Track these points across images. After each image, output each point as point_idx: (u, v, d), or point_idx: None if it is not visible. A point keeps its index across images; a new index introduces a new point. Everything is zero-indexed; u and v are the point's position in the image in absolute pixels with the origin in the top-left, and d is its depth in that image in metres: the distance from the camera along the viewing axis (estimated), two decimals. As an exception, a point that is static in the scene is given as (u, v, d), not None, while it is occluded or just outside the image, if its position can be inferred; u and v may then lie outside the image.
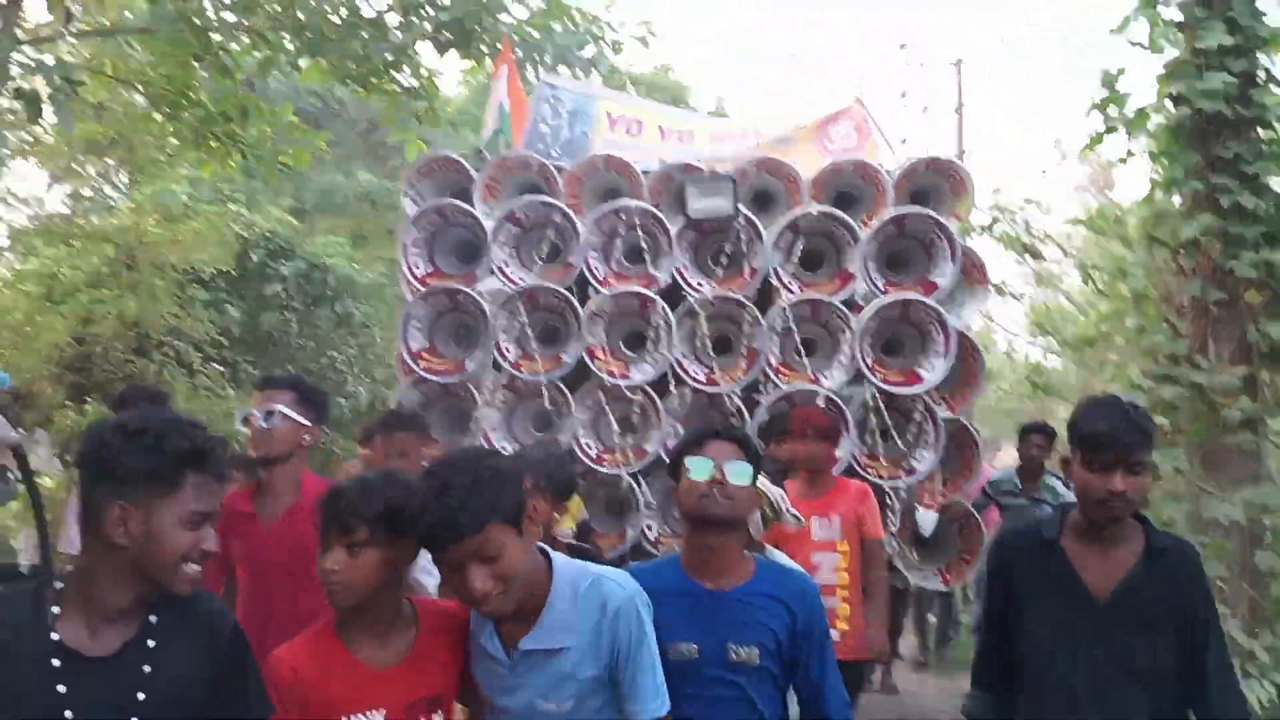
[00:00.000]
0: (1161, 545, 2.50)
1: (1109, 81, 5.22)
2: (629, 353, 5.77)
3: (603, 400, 5.68)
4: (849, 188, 5.96)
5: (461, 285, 5.75)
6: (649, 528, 5.61)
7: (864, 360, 5.49)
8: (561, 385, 5.64)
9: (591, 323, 5.62)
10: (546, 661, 2.17)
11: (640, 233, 5.71)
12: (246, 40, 8.10)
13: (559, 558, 2.25)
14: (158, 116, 9.00)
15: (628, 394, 5.62)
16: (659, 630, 2.27)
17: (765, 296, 5.73)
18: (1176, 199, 5.16)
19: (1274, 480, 4.73)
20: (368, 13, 8.00)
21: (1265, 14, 5.06)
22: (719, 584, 2.43)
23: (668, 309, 5.58)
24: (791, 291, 5.64)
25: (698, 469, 2.41)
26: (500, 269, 5.75)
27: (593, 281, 5.71)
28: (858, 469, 5.39)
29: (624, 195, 5.87)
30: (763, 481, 3.38)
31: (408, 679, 2.18)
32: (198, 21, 7.49)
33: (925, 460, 5.48)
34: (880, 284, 5.62)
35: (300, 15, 7.73)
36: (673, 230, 5.67)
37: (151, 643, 1.78)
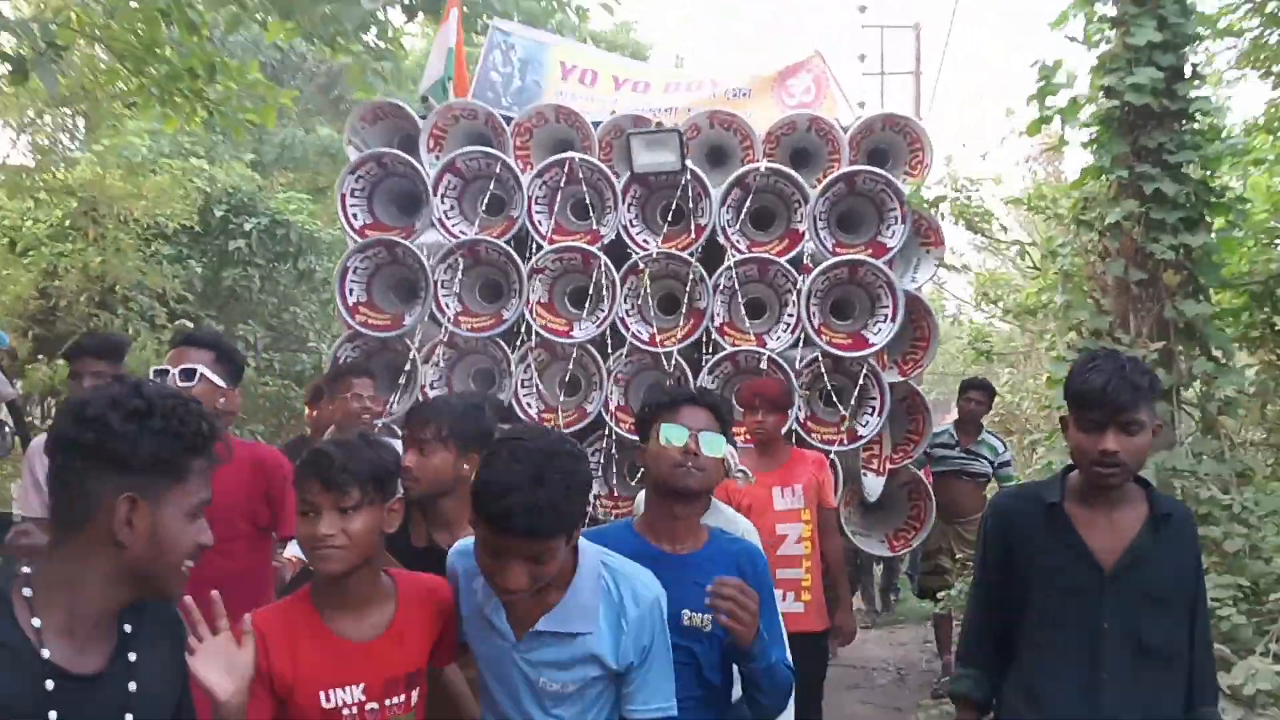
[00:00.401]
0: (1165, 511, 2.37)
1: (1046, 74, 5.48)
2: (572, 310, 5.63)
3: (544, 358, 5.55)
4: (804, 144, 5.79)
5: (400, 238, 5.58)
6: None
7: (810, 322, 5.35)
8: (502, 342, 5.50)
9: (532, 279, 5.47)
10: (557, 643, 2.10)
11: (585, 187, 5.54)
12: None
13: (585, 545, 2.16)
14: (123, 71, 8.66)
15: (570, 352, 5.49)
16: None
17: (712, 255, 5.58)
18: (1104, 184, 5.44)
19: (1185, 446, 5.03)
20: None
21: (1194, 10, 5.39)
22: (676, 549, 2.40)
23: (612, 266, 5.43)
24: (739, 250, 5.49)
25: (672, 436, 2.35)
26: (440, 221, 5.58)
27: (535, 236, 5.56)
28: (801, 433, 5.28)
29: (574, 147, 5.70)
30: None
31: (387, 653, 2.09)
32: None
33: (870, 425, 5.36)
34: (829, 244, 5.48)
35: None
36: (618, 185, 5.51)
37: (132, 656, 1.56)
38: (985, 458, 6.42)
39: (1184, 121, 5.31)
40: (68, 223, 10.91)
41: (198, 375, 3.09)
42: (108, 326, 10.54)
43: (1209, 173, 5.41)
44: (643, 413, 2.51)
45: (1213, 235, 5.31)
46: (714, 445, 2.38)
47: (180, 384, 3.05)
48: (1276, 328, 5.92)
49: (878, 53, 18.22)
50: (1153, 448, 4.76)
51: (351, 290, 5.62)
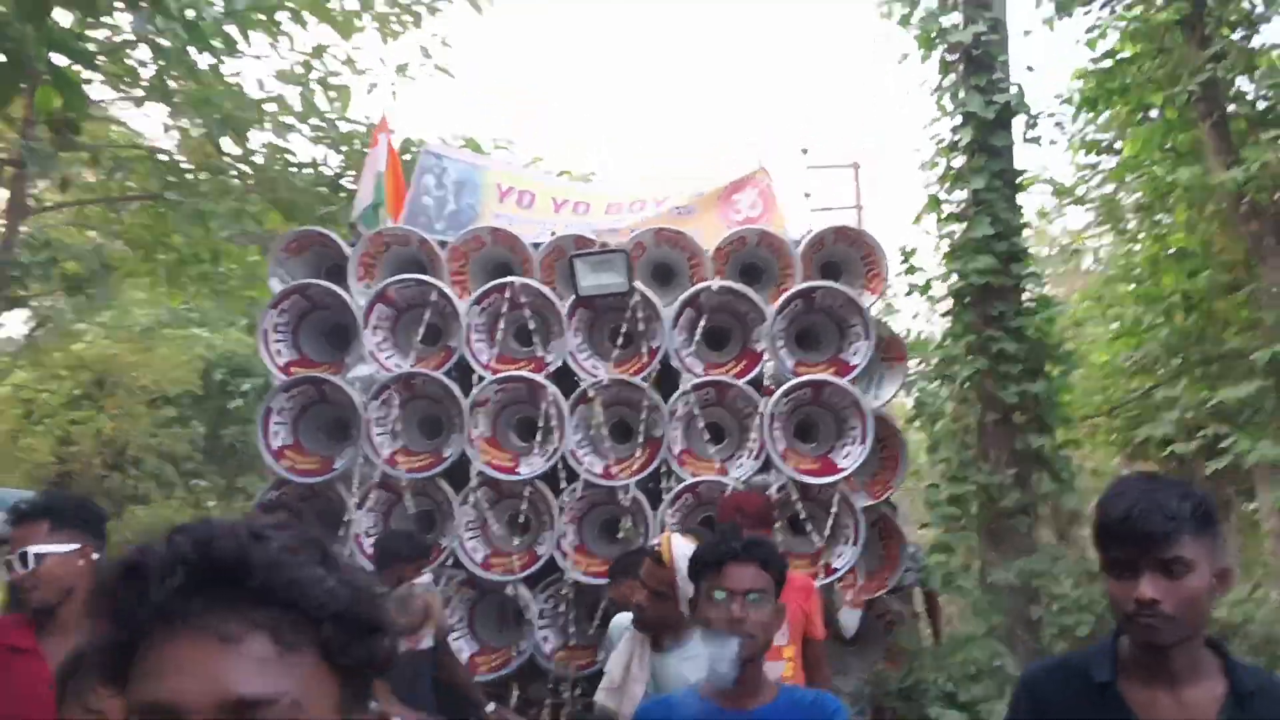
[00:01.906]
0: (1249, 688, 1.82)
1: (906, 255, 7.34)
2: (518, 444, 5.22)
3: (489, 498, 5.11)
4: (754, 259, 5.54)
5: (329, 375, 5.16)
6: (544, 640, 5.00)
7: (774, 447, 5.01)
8: (443, 482, 5.06)
9: (475, 412, 5.07)
10: None
11: (528, 312, 5.20)
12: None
13: None
14: (135, 257, 9.74)
15: (518, 490, 5.06)
16: None
17: (666, 380, 5.25)
18: (960, 346, 6.85)
19: (1041, 551, 6.46)
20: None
21: (1022, 207, 7.16)
22: (740, 704, 2.35)
23: (559, 395, 5.06)
24: (694, 373, 5.16)
25: (714, 605, 2.35)
26: (373, 354, 5.19)
27: (476, 367, 5.18)
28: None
29: (514, 271, 5.39)
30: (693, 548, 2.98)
31: None
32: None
33: (845, 556, 4.99)
34: (790, 364, 5.18)
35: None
36: (563, 309, 5.18)
37: None
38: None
39: (1019, 294, 6.78)
40: (78, 392, 12.24)
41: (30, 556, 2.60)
42: (120, 488, 11.99)
43: (1044, 333, 6.93)
44: (692, 567, 2.50)
45: (1053, 381, 6.82)
46: (761, 604, 2.35)
47: (21, 570, 2.60)
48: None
49: (821, 190, 18.44)
50: (1012, 554, 5.95)
51: (276, 433, 5.16)
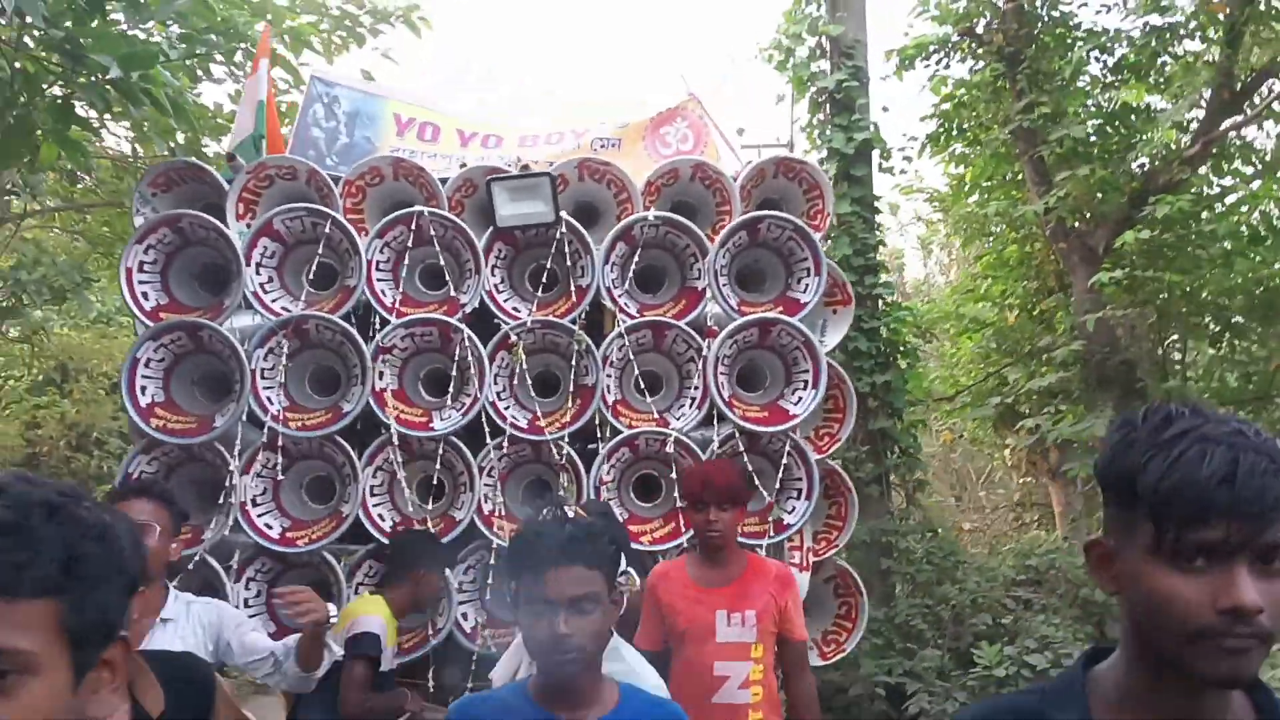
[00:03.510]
0: None
1: None
2: (429, 397, 4.60)
3: (398, 458, 4.47)
4: (688, 195, 5.02)
5: (206, 319, 4.44)
6: (464, 617, 4.40)
7: (720, 394, 4.51)
8: (342, 441, 4.40)
9: (379, 360, 4.43)
10: None
11: (438, 247, 4.58)
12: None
13: None
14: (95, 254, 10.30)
15: (431, 448, 4.44)
16: None
17: (597, 322, 4.71)
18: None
19: (891, 515, 7.74)
20: None
21: (880, 227, 8.39)
22: (575, 713, 2.04)
23: (477, 341, 4.46)
24: (629, 315, 4.62)
25: (533, 614, 2.00)
26: (256, 296, 4.49)
27: (379, 309, 4.53)
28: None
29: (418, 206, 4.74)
30: None
31: None
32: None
33: (798, 511, 4.53)
34: (734, 303, 4.68)
35: None
36: (480, 244, 4.58)
37: None
38: None
39: (874, 301, 7.87)
40: (42, 379, 13.33)
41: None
42: (85, 468, 12.73)
43: (895, 333, 8.10)
44: (507, 570, 2.14)
45: (901, 372, 8.04)
46: (589, 610, 2.00)
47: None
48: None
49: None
50: (867, 517, 6.43)
51: (144, 388, 4.41)
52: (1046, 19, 9.55)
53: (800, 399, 4.58)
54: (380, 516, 4.38)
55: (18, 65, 4.03)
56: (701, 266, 4.67)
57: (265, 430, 4.36)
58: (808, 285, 4.68)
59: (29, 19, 3.73)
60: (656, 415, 4.54)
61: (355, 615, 3.77)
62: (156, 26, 5.63)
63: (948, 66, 10.31)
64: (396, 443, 4.39)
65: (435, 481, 4.44)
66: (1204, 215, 9.12)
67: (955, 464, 15.39)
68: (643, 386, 4.57)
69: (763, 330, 4.59)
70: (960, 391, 11.81)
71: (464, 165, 5.01)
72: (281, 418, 4.37)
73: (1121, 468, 1.23)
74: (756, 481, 4.49)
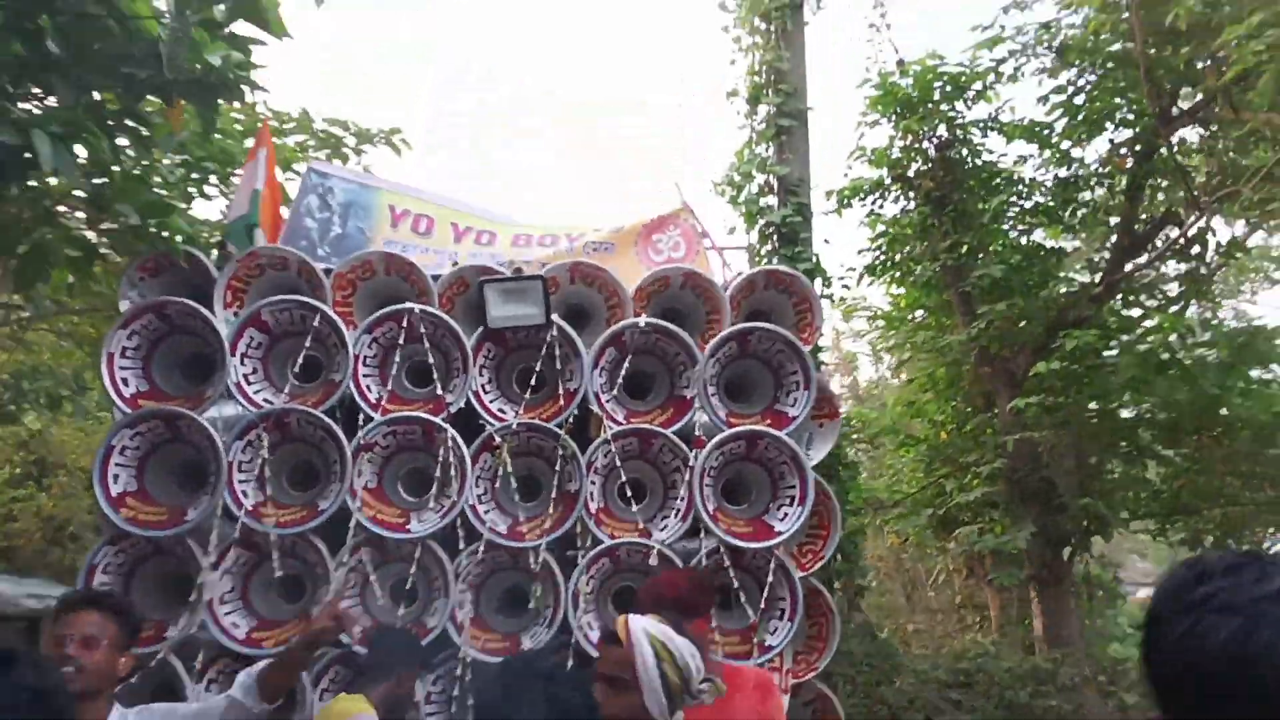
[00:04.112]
0: None
1: None
2: (408, 498, 4.50)
3: (372, 560, 4.36)
4: (677, 303, 5.02)
5: (187, 409, 4.36)
6: (430, 730, 4.24)
7: (704, 507, 4.44)
8: (317, 540, 4.28)
9: (359, 458, 4.35)
10: None
11: (428, 345, 4.53)
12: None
13: None
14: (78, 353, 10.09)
15: (407, 551, 4.33)
16: None
17: (583, 427, 4.65)
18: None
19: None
20: None
21: (822, 349, 8.14)
22: None
23: (460, 441, 4.38)
24: (616, 421, 4.57)
25: None
26: (239, 387, 4.42)
27: (364, 406, 4.47)
28: (700, 645, 4.25)
29: (408, 302, 4.71)
30: (660, 630, 2.53)
31: None
32: None
33: (780, 633, 4.42)
34: (722, 414, 4.64)
35: None
36: (469, 343, 4.54)
37: None
38: None
39: None
40: (19, 471, 13.18)
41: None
42: (60, 561, 12.62)
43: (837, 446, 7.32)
44: None
45: (842, 484, 7.87)
46: None
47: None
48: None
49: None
50: None
51: (116, 476, 4.30)
52: (970, 165, 10.67)
53: (786, 515, 4.51)
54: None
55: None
56: (690, 376, 4.63)
57: (238, 526, 4.25)
58: (796, 399, 4.65)
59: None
60: (640, 525, 4.45)
61: (350, 715, 3.60)
62: (157, 155, 5.79)
63: (881, 206, 11.49)
64: (367, 544, 4.29)
65: (409, 585, 4.32)
66: (1115, 344, 10.15)
67: (906, 565, 15.96)
68: (628, 495, 4.49)
69: (750, 442, 4.54)
70: (903, 499, 12.60)
71: (455, 263, 5.01)
72: (256, 513, 4.26)
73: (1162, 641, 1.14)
74: (732, 594, 4.39)
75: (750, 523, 4.54)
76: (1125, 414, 10.00)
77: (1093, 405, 9.88)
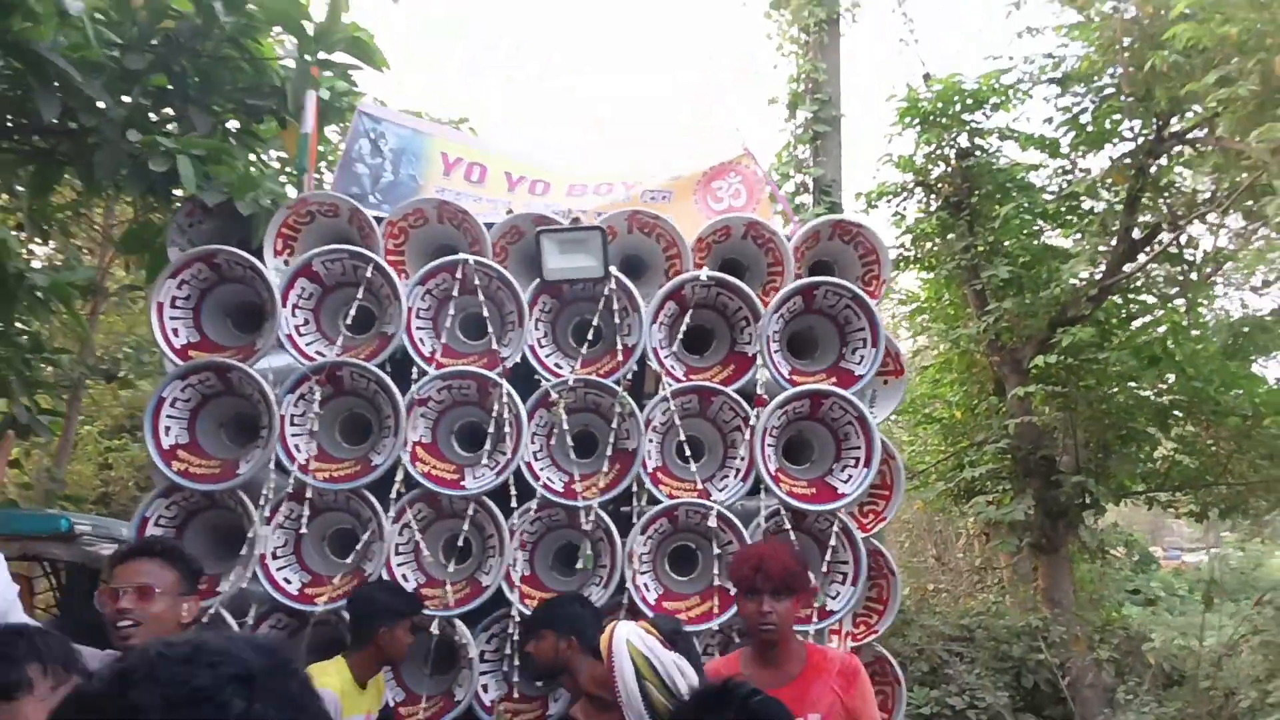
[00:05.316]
0: None
1: None
2: (463, 453, 4.40)
3: (427, 515, 4.28)
4: (739, 254, 4.84)
5: (236, 360, 4.27)
6: (484, 689, 4.18)
7: (766, 467, 4.29)
8: (370, 495, 4.21)
9: (413, 412, 4.25)
10: None
11: (482, 297, 4.40)
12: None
13: None
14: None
15: (461, 507, 4.24)
16: None
17: (641, 383, 4.51)
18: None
19: None
20: None
21: None
22: None
23: (516, 397, 4.27)
24: (675, 378, 4.42)
25: None
26: (291, 339, 4.33)
27: (417, 359, 4.36)
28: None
29: (462, 252, 4.57)
30: (645, 645, 2.52)
31: None
32: None
33: (843, 597, 4.29)
34: (785, 371, 4.48)
35: None
36: (524, 296, 4.40)
37: None
38: None
39: None
40: (113, 423, 14.38)
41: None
42: None
43: None
44: None
45: None
46: None
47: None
48: None
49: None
50: None
51: (168, 429, 4.24)
52: (987, 171, 11.58)
53: (850, 477, 4.36)
54: (404, 577, 4.18)
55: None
56: (753, 331, 4.47)
57: (291, 480, 4.18)
58: (863, 357, 4.47)
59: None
60: (699, 485, 4.32)
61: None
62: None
63: (905, 208, 12.57)
64: (421, 500, 4.21)
65: (462, 543, 4.23)
66: (1113, 340, 11.19)
67: (938, 527, 16.62)
68: (686, 454, 4.36)
69: (814, 402, 4.38)
70: (923, 470, 13.56)
71: (510, 211, 4.85)
72: (308, 467, 4.19)
73: None
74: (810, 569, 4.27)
75: (812, 484, 4.40)
76: (1121, 399, 10.98)
77: (1087, 391, 10.93)
